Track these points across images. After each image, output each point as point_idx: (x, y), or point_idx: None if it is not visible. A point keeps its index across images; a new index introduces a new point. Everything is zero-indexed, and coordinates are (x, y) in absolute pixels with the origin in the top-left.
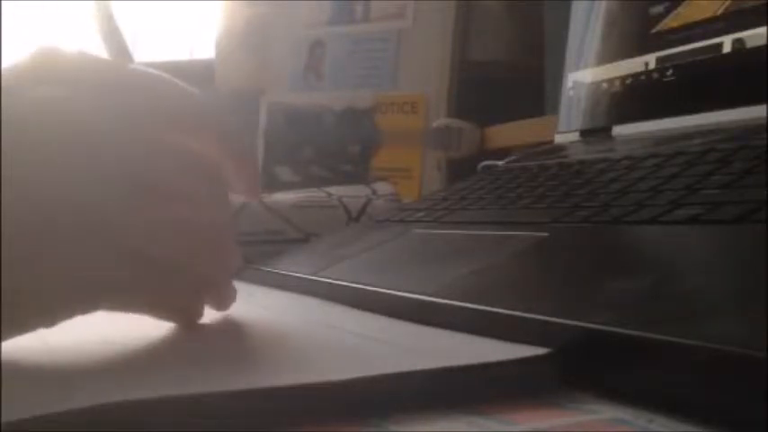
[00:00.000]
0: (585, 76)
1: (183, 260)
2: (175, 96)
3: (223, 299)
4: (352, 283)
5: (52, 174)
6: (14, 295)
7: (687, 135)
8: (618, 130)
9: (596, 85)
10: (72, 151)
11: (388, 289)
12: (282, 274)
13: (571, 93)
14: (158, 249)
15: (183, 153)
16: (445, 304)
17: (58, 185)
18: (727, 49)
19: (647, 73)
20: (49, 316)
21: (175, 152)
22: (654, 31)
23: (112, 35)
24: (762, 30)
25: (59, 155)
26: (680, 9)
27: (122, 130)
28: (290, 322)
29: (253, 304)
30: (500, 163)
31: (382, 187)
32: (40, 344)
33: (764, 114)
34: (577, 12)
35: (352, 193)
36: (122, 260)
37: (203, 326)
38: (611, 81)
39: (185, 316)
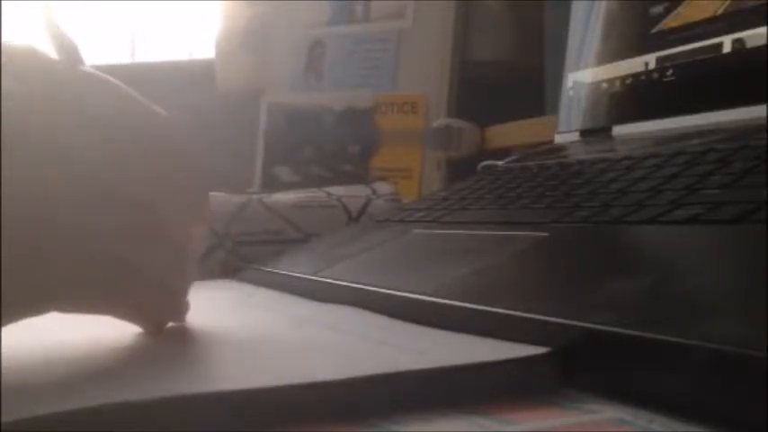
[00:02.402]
0: (585, 76)
1: (149, 265)
2: (140, 113)
3: (180, 309)
4: (352, 283)
5: (13, 171)
6: None
7: (687, 135)
8: (618, 130)
9: (596, 85)
10: (34, 150)
11: (388, 289)
12: (282, 274)
13: (571, 93)
14: (122, 251)
15: (149, 162)
16: (445, 304)
17: (20, 183)
18: (727, 49)
19: (647, 73)
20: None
21: (142, 161)
22: (654, 31)
23: (59, 37)
24: (762, 30)
25: (20, 153)
26: (680, 9)
27: (85, 133)
28: (289, 322)
29: (252, 304)
30: (500, 163)
31: (382, 187)
32: (39, 344)
33: (764, 114)
34: (577, 12)
35: (352, 193)
36: (81, 259)
37: (202, 326)
38: (611, 81)
39: (150, 321)
